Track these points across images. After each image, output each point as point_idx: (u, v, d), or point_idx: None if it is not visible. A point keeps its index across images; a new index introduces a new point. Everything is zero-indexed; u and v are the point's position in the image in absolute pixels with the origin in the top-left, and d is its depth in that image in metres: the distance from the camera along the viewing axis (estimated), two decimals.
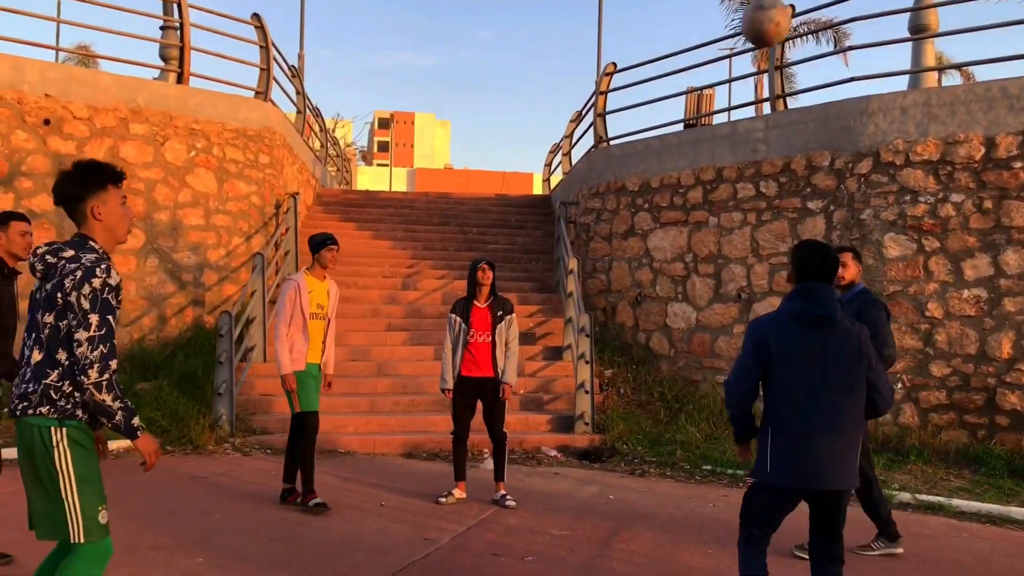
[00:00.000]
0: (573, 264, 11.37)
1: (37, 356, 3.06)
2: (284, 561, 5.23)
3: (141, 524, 5.82)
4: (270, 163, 12.48)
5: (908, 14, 9.81)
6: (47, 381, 3.03)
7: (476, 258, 7.18)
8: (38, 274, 3.13)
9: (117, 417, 3.04)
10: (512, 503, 6.80)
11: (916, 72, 9.75)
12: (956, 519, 6.87)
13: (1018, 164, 8.45)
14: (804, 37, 24.98)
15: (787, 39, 11.22)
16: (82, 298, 2.99)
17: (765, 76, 11.98)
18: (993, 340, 8.49)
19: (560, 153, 17.45)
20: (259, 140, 12.27)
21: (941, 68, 10.92)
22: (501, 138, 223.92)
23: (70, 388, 3.04)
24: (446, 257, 13.55)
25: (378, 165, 78.76)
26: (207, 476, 7.54)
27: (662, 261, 11.31)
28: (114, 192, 3.20)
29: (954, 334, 8.68)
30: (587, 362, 9.67)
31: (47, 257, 3.11)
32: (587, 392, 9.59)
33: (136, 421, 3.10)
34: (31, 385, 3.05)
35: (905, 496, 7.31)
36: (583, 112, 16.02)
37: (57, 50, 21.73)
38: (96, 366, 2.98)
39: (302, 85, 15.66)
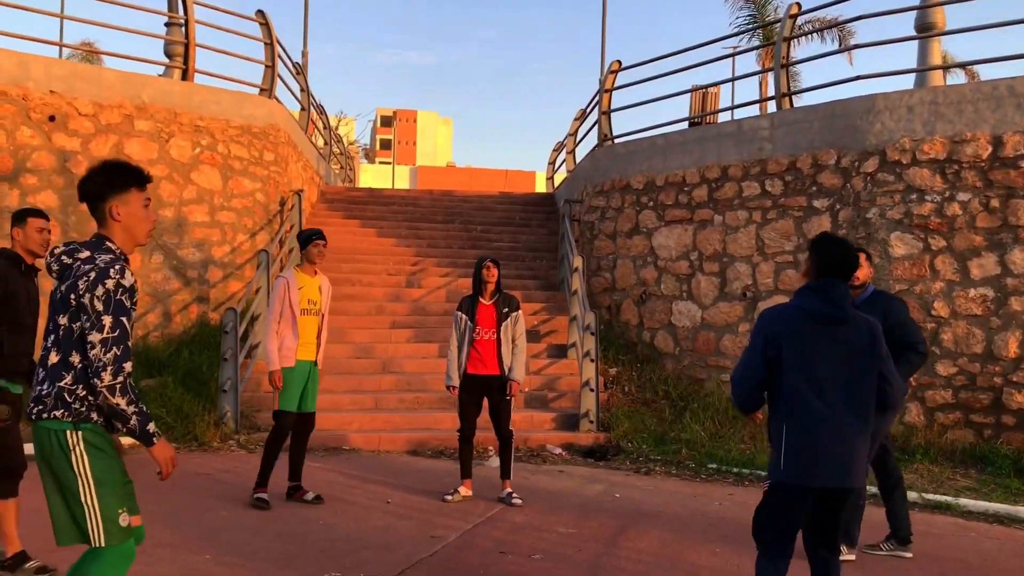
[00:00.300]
0: (578, 262, 11.36)
1: (54, 358, 3.02)
2: (292, 558, 5.22)
3: (146, 521, 5.73)
4: (275, 160, 12.47)
5: (914, 13, 9.79)
6: (61, 384, 2.99)
7: (481, 256, 7.18)
8: (54, 274, 3.10)
9: (132, 422, 2.97)
10: (518, 501, 6.79)
11: (922, 71, 9.72)
12: (963, 518, 6.86)
13: None
14: (809, 36, 24.95)
15: (792, 37, 11.19)
16: (95, 299, 2.95)
17: (770, 75, 11.96)
18: (1000, 339, 8.47)
19: (564, 151, 17.43)
20: (264, 137, 12.26)
21: (946, 67, 10.89)
22: (503, 136, 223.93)
23: (84, 392, 2.99)
24: (450, 255, 13.54)
25: (380, 163, 78.72)
26: (212, 473, 7.54)
27: (667, 259, 11.29)
28: (136, 194, 3.13)
29: (960, 333, 8.66)
30: (592, 360, 9.66)
31: (63, 257, 3.08)
32: (592, 390, 9.58)
33: (152, 427, 3.03)
34: (45, 387, 3.01)
35: (912, 495, 7.27)
36: (587, 110, 16.01)
37: (61, 46, 21.73)
38: (109, 368, 2.92)
39: (306, 82, 15.64)
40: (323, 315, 6.79)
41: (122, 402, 2.94)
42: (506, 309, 6.98)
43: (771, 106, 11.36)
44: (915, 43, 9.86)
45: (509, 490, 6.90)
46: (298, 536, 5.69)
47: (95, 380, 2.92)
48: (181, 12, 11.72)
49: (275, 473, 7.43)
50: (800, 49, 26.67)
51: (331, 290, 7.04)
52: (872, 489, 6.24)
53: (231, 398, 9.03)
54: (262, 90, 12.81)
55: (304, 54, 18.40)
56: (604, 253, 12.38)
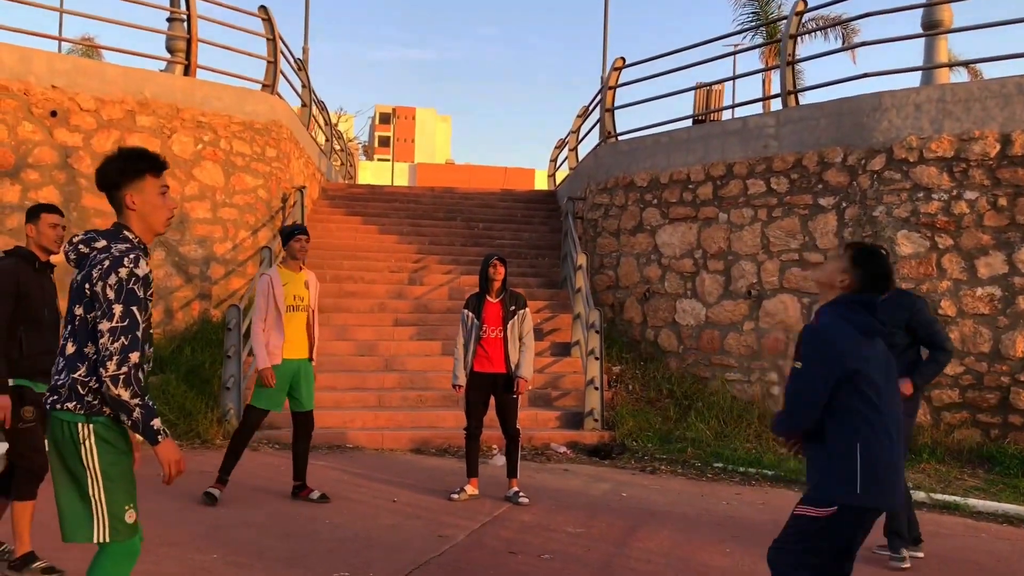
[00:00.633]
0: (582, 260, 11.32)
1: (71, 348, 2.98)
2: (300, 557, 5.17)
3: (150, 519, 5.74)
4: (277, 156, 12.41)
5: (921, 10, 9.75)
6: (75, 375, 2.94)
7: (488, 253, 7.13)
8: (72, 263, 3.06)
9: (135, 415, 2.88)
10: (525, 500, 6.75)
11: (928, 68, 9.68)
12: (973, 519, 6.82)
13: None
14: (812, 33, 24.89)
15: (798, 35, 11.14)
16: (107, 288, 2.89)
17: (773, 72, 11.91)
18: (1007, 339, 8.43)
19: (566, 148, 17.38)
20: (266, 133, 12.19)
21: (952, 64, 10.83)
22: (502, 134, 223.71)
23: (96, 384, 2.94)
24: (452, 252, 13.49)
25: (379, 160, 78.63)
26: (215, 471, 7.46)
27: (671, 257, 11.25)
28: (152, 181, 3.07)
29: (967, 332, 8.62)
30: (597, 358, 9.61)
31: (80, 247, 3.04)
32: (597, 388, 9.54)
33: (157, 423, 2.93)
34: (62, 377, 2.97)
35: (920, 495, 7.25)
36: (590, 108, 15.95)
37: (61, 40, 21.67)
38: (115, 358, 2.85)
39: (308, 78, 15.57)
40: (312, 311, 6.71)
41: (125, 393, 2.86)
42: (513, 307, 6.94)
43: (775, 104, 11.31)
44: (918, 42, 9.83)
45: (516, 489, 6.85)
46: (306, 535, 5.64)
47: (100, 369, 2.87)
48: (183, 7, 11.65)
49: (279, 473, 7.37)
50: (803, 47, 26.61)
51: (319, 286, 6.95)
52: None
53: (234, 395, 8.97)
54: (264, 86, 12.75)
55: (305, 51, 18.32)
56: (607, 251, 12.33)
